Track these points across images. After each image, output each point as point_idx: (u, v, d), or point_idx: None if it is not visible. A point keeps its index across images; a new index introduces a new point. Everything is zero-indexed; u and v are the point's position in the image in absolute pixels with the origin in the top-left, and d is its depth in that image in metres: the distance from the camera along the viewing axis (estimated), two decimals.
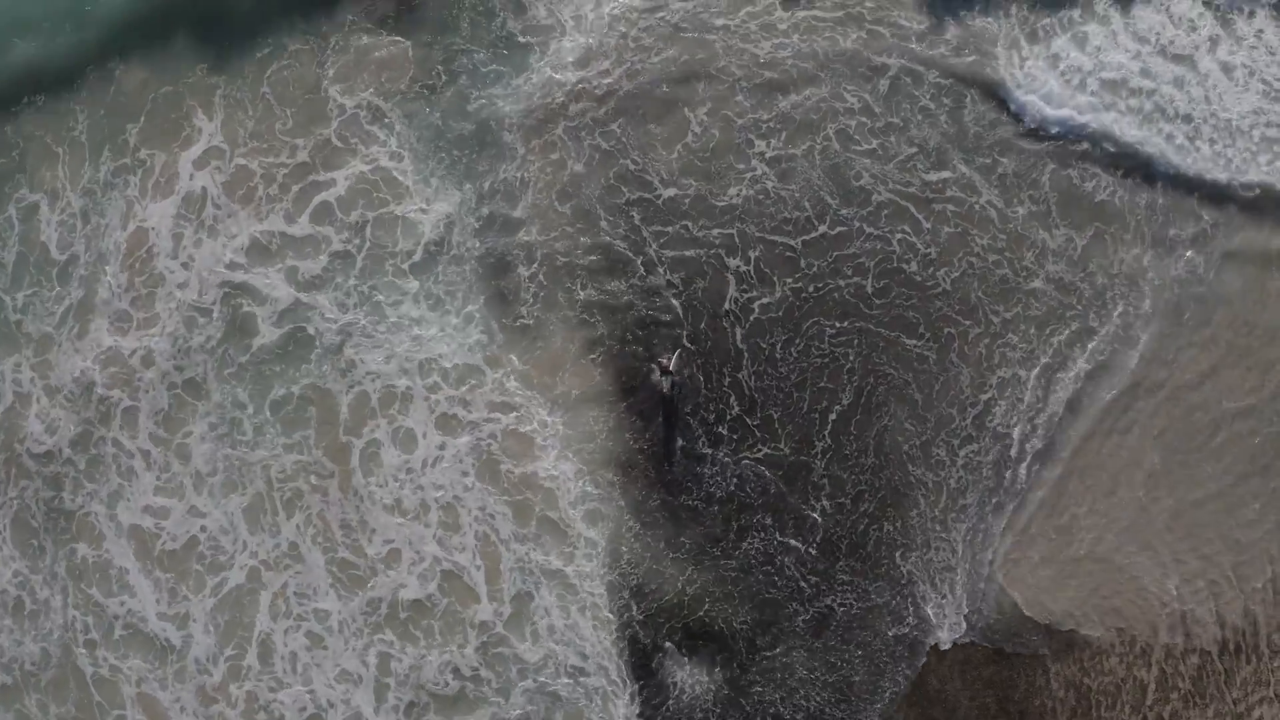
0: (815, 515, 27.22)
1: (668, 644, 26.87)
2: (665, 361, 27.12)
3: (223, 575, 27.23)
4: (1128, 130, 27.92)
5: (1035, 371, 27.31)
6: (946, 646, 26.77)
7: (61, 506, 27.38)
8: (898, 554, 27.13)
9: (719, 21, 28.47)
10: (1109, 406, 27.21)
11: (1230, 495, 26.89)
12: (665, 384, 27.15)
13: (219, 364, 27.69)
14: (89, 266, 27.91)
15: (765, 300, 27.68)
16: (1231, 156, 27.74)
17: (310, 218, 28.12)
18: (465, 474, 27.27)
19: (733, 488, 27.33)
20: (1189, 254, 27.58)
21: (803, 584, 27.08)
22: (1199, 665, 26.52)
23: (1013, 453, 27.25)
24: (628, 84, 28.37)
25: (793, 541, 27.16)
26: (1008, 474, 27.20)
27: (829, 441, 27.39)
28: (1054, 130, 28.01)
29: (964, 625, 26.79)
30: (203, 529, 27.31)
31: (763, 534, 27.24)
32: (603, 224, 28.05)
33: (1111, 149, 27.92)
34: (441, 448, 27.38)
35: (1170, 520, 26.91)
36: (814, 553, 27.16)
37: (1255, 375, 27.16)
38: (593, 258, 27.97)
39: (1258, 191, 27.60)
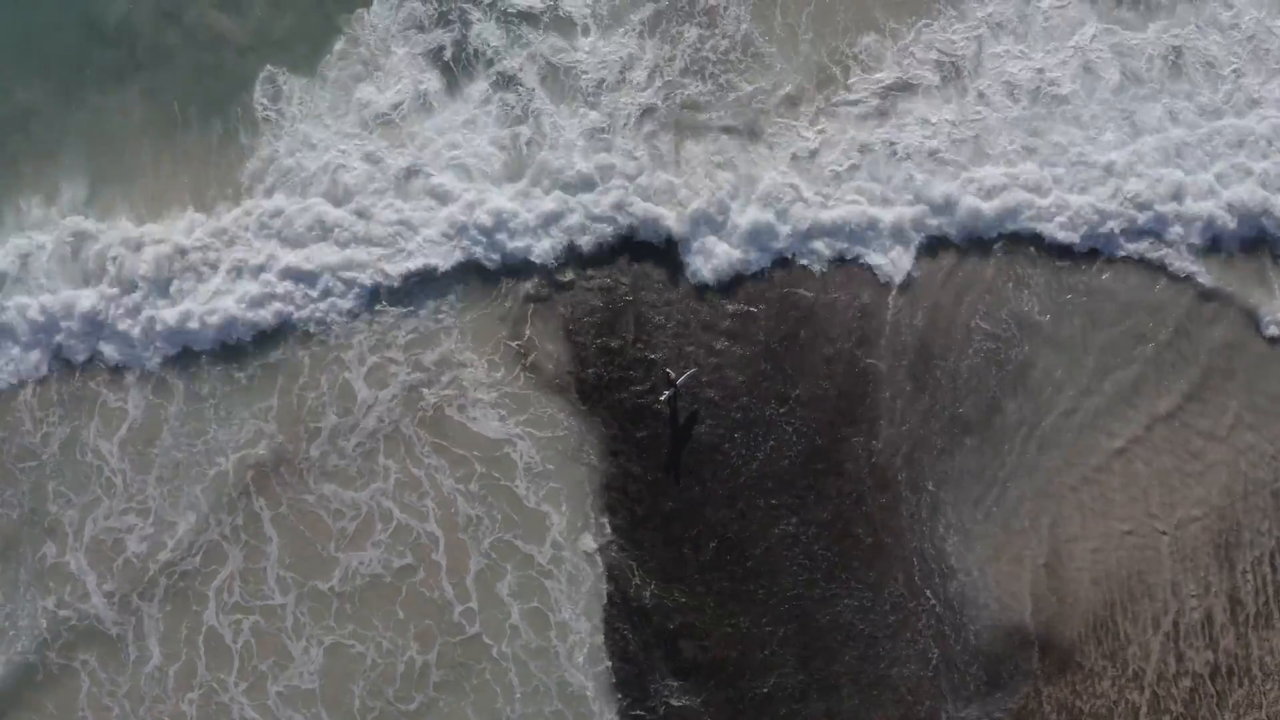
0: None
1: (662, 667, 25.92)
2: (673, 374, 26.10)
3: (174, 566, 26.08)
4: None
5: None
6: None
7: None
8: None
9: None
10: (1102, 415, 26.99)
11: (1223, 518, 26.60)
12: (665, 395, 25.92)
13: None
14: None
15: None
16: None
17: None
18: (415, 432, 26.33)
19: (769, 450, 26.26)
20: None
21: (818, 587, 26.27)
22: (1191, 688, 26.23)
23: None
24: None
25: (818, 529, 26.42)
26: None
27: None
28: None
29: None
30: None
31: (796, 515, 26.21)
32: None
33: None
34: (383, 403, 26.45)
35: (1166, 542, 26.58)
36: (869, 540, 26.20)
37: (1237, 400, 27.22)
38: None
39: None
